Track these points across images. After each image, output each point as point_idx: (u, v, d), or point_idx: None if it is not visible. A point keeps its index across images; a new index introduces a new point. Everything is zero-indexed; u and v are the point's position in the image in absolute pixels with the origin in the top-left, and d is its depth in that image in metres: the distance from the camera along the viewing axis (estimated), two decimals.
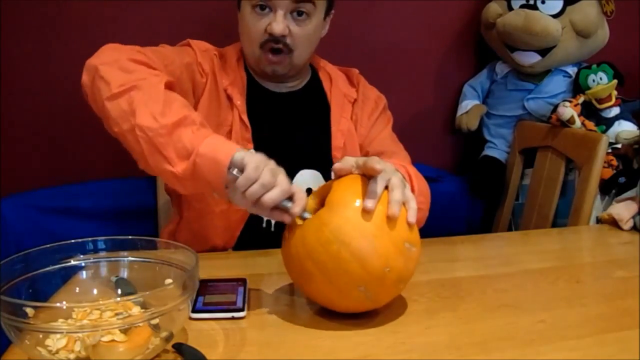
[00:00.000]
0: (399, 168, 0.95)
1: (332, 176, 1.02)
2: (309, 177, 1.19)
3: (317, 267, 0.78)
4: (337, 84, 1.28)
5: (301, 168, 1.18)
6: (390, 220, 0.77)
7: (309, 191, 1.17)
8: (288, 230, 0.83)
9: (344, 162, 0.85)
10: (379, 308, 0.83)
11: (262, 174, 0.79)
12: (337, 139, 1.22)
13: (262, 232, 1.16)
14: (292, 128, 1.22)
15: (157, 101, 0.87)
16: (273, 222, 1.16)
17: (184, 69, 1.12)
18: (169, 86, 0.94)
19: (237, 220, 1.16)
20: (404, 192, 0.81)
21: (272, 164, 0.82)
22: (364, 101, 1.29)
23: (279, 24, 1.11)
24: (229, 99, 1.17)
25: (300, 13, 1.13)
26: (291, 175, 1.15)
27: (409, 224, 0.80)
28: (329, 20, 1.24)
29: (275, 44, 1.13)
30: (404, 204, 0.80)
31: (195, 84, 1.15)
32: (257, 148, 1.13)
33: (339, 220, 0.77)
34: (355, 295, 0.78)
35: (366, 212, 0.76)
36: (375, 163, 0.80)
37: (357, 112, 1.27)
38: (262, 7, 1.12)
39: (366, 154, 1.26)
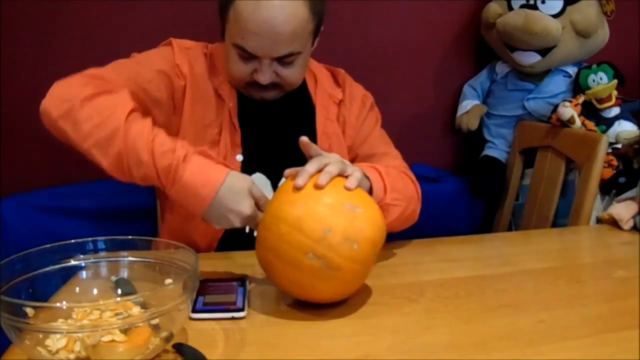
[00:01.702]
0: (366, 169, 0.98)
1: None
2: None
3: (272, 254, 0.82)
4: (322, 84, 1.24)
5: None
6: (319, 188, 0.83)
7: None
8: None
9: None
10: (380, 308, 0.83)
11: (240, 212, 0.90)
12: (323, 142, 1.20)
13: (244, 235, 1.15)
14: (278, 131, 1.19)
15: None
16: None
17: (155, 77, 1.08)
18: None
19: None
20: (344, 167, 0.88)
21: (244, 191, 0.91)
22: (351, 101, 1.26)
23: (265, 75, 1.07)
24: (220, 99, 1.14)
25: (286, 62, 1.08)
26: (277, 177, 1.15)
27: (348, 189, 0.85)
28: (319, 34, 1.17)
29: (263, 87, 1.10)
30: (345, 177, 0.87)
31: (174, 89, 1.11)
32: (245, 151, 1.14)
33: (274, 203, 0.85)
34: (309, 265, 0.79)
35: (297, 188, 0.83)
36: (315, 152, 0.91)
37: (344, 114, 1.24)
38: (247, 57, 1.07)
39: (356, 157, 1.25)
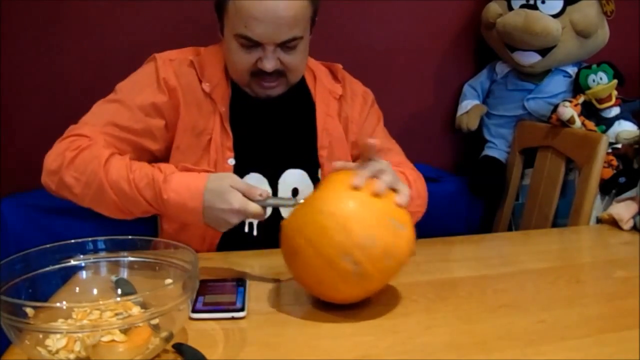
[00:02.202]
0: (397, 174, 0.96)
1: (320, 174, 1.17)
2: (295, 177, 1.18)
3: (306, 241, 0.80)
4: (321, 80, 1.24)
5: (287, 168, 1.17)
6: (375, 196, 0.82)
7: (295, 191, 1.18)
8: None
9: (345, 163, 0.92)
10: (380, 308, 0.83)
11: (230, 209, 0.92)
12: (323, 139, 1.20)
13: (243, 237, 1.15)
14: (277, 129, 1.19)
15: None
16: (255, 226, 1.16)
17: (137, 112, 1.10)
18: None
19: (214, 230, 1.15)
20: (396, 180, 0.87)
21: (226, 189, 0.93)
22: (352, 97, 1.26)
23: (270, 61, 1.08)
24: (213, 103, 1.14)
25: (289, 47, 1.09)
26: (277, 175, 1.16)
27: (397, 205, 0.84)
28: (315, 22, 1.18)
29: (267, 75, 1.10)
30: (395, 190, 0.86)
31: (165, 111, 1.12)
32: (238, 155, 1.14)
33: (324, 192, 0.84)
34: (343, 267, 0.78)
35: (352, 188, 0.82)
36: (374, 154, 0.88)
37: (346, 110, 1.24)
38: (250, 45, 1.08)
39: (360, 153, 1.25)
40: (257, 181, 1.16)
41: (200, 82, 1.15)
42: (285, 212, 1.17)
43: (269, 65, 1.08)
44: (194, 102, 1.14)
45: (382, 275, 0.82)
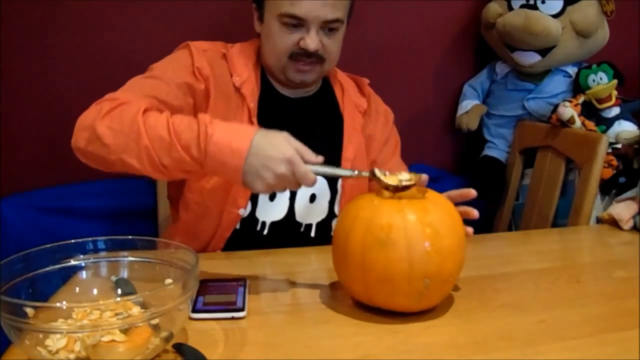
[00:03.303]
0: None
1: (340, 185, 1.18)
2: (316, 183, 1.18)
3: (401, 244, 0.78)
4: (348, 93, 1.26)
5: None
6: (469, 235, 0.91)
7: (312, 197, 1.18)
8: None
9: None
10: (380, 308, 0.83)
11: (281, 156, 0.84)
12: (348, 151, 1.21)
13: (253, 235, 1.15)
14: (304, 132, 1.16)
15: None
16: (267, 225, 1.16)
17: (173, 88, 1.07)
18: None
19: (229, 221, 1.14)
20: None
21: (281, 136, 0.87)
22: (376, 115, 1.29)
23: (314, 40, 1.10)
24: (242, 98, 1.15)
25: (331, 29, 1.12)
26: None
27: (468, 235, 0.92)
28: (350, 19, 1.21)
29: (307, 57, 1.12)
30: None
31: (195, 94, 1.11)
32: None
33: (425, 206, 0.82)
34: (415, 285, 0.79)
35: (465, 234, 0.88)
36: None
37: (369, 126, 1.27)
38: (294, 25, 1.10)
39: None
40: None
41: (232, 75, 1.15)
42: (300, 216, 1.17)
43: (313, 44, 1.10)
44: (224, 95, 1.14)
45: (435, 299, 0.84)
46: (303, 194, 1.17)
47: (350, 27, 1.19)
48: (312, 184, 0.86)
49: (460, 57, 1.92)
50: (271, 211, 1.16)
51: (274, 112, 1.18)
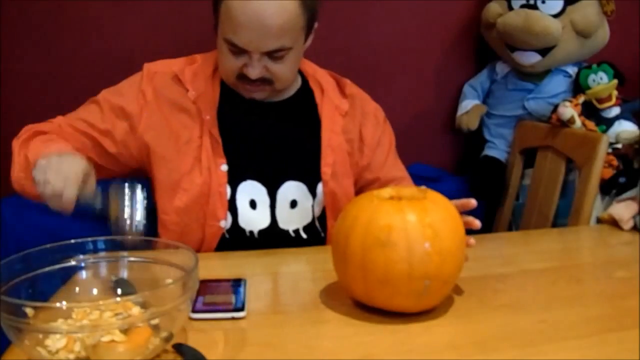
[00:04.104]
0: None
1: (321, 190, 1.17)
2: (294, 189, 1.17)
3: (401, 245, 0.78)
4: (328, 94, 1.23)
5: (287, 179, 1.17)
6: (470, 245, 0.92)
7: (293, 203, 1.17)
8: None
9: None
10: (379, 309, 0.83)
11: (50, 178, 0.91)
12: (328, 156, 1.19)
13: (245, 241, 1.15)
14: (277, 139, 1.18)
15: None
16: (255, 233, 1.15)
17: (110, 114, 1.14)
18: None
19: (212, 235, 1.14)
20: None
21: (62, 163, 0.94)
22: (364, 116, 1.25)
23: (255, 69, 1.08)
24: (199, 110, 1.14)
25: (276, 57, 1.08)
26: (276, 185, 1.16)
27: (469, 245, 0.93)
28: (314, 31, 1.17)
29: (253, 81, 1.11)
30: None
31: (132, 117, 1.14)
32: (232, 161, 1.14)
33: (429, 209, 0.82)
34: (415, 285, 0.79)
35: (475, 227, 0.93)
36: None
37: (352, 129, 1.23)
38: (237, 51, 1.08)
39: (376, 179, 1.25)
40: (254, 189, 1.15)
41: (188, 90, 1.15)
42: (283, 222, 1.16)
43: (253, 74, 1.08)
44: (176, 113, 1.14)
45: (435, 300, 0.84)
46: (283, 200, 1.16)
47: (350, 27, 1.19)
48: (65, 209, 0.93)
49: (460, 57, 1.92)
50: (254, 220, 1.15)
51: (239, 119, 1.16)
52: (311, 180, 1.18)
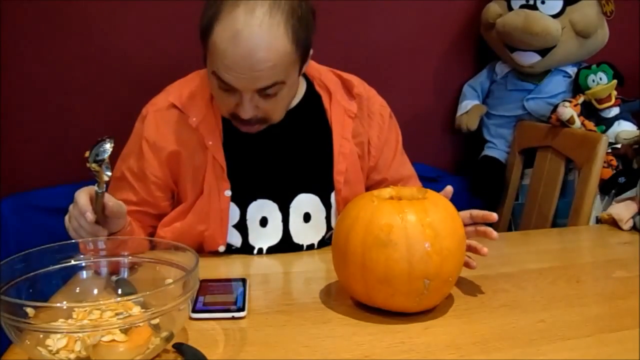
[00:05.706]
0: None
1: (334, 199, 1.15)
2: (307, 202, 1.13)
3: (401, 245, 0.78)
4: (336, 98, 1.16)
5: (299, 192, 1.13)
6: (483, 254, 0.94)
7: (307, 216, 1.14)
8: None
9: None
10: (379, 308, 0.84)
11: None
12: (340, 163, 1.14)
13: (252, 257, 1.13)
14: (286, 153, 1.13)
15: None
16: (264, 250, 1.13)
17: (142, 185, 1.12)
18: None
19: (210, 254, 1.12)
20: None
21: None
22: (370, 116, 1.19)
23: (247, 111, 1.01)
24: (201, 136, 1.09)
25: (268, 94, 1.01)
26: (288, 199, 1.13)
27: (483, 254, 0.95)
28: (310, 57, 1.09)
29: (246, 120, 1.04)
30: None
31: (170, 160, 1.11)
32: (238, 184, 1.10)
33: (439, 215, 0.82)
34: (416, 285, 0.79)
35: (492, 238, 0.97)
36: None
37: (360, 130, 1.18)
38: (228, 89, 1.01)
39: (384, 180, 1.20)
40: (265, 207, 1.11)
41: (190, 116, 1.10)
42: (297, 237, 1.14)
43: (246, 115, 1.02)
44: (182, 145, 1.10)
45: (435, 300, 0.85)
46: (296, 214, 1.13)
47: (350, 27, 1.18)
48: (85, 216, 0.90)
49: (460, 57, 1.92)
50: (264, 237, 1.12)
51: (243, 140, 1.10)
52: (324, 190, 1.14)
